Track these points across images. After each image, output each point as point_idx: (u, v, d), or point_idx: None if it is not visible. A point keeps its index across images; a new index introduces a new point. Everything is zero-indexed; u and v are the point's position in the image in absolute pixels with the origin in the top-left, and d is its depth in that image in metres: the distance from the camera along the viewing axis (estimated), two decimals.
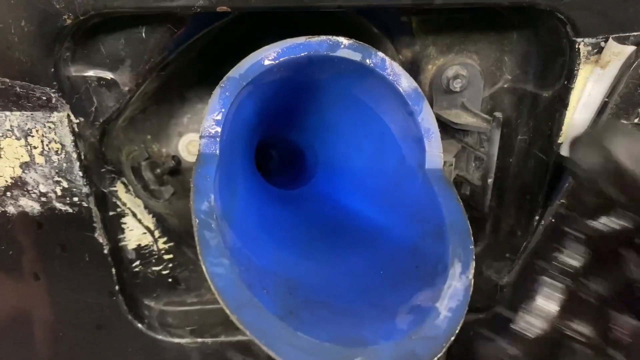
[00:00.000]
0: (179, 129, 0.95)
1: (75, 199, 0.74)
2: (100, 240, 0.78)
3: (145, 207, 0.83)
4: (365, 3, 0.63)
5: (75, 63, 0.69)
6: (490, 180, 0.81)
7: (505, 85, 0.85)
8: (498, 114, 0.76)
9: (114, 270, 0.81)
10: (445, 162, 0.82)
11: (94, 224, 0.76)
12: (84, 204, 0.75)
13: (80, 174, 0.72)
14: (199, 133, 0.95)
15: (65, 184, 0.73)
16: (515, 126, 0.85)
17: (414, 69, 0.83)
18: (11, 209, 0.75)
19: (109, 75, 0.70)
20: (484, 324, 0.92)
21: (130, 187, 0.81)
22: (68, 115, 0.69)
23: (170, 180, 0.89)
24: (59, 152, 0.71)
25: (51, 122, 0.69)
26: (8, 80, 0.65)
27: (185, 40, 0.72)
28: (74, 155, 0.71)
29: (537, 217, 0.84)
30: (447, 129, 0.86)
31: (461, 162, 0.86)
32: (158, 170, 0.85)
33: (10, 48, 0.63)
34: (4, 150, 0.70)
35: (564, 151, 0.76)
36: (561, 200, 0.78)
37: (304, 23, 0.95)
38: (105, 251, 0.79)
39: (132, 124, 0.86)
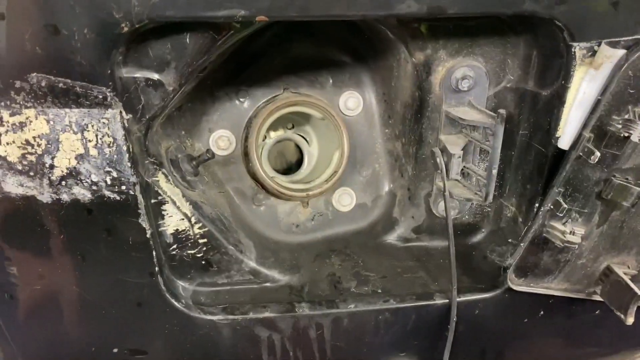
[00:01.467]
0: (210, 125, 1.03)
1: (123, 187, 0.82)
2: (144, 225, 0.86)
3: (183, 195, 0.91)
4: (385, 13, 0.72)
5: (127, 65, 0.77)
6: (494, 171, 0.89)
7: (508, 85, 0.93)
8: (502, 111, 0.84)
9: (154, 253, 0.89)
10: (454, 154, 0.90)
11: (139, 210, 0.85)
12: (131, 192, 0.83)
13: (129, 164, 0.81)
14: (227, 129, 1.04)
15: (114, 174, 0.81)
16: (517, 122, 0.94)
17: (425, 70, 0.92)
18: (65, 197, 0.83)
19: (155, 76, 0.79)
20: (489, 303, 1.01)
21: (169, 178, 0.89)
22: (120, 112, 0.77)
23: (203, 173, 0.98)
24: (111, 145, 0.79)
25: (105, 118, 0.77)
26: (70, 81, 0.74)
27: (223, 44, 0.80)
28: (124, 148, 0.79)
29: (536, 205, 0.93)
30: (455, 124, 0.95)
31: (468, 154, 0.95)
32: (194, 162, 0.93)
33: (74, 53, 0.71)
34: (62, 143, 0.78)
35: (561, 144, 0.85)
36: (559, 189, 0.86)
37: (326, 28, 1.03)
38: (148, 235, 0.87)
39: (169, 120, 0.95)
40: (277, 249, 1.06)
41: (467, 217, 1.08)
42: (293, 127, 1.21)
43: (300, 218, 1.11)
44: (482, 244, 1.08)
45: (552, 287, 1.00)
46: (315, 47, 1.07)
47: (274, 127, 1.14)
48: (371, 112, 1.10)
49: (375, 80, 1.08)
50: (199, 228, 0.94)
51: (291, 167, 1.26)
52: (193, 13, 0.69)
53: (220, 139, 1.03)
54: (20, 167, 0.80)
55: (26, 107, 0.75)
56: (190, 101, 0.99)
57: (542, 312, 1.02)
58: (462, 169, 0.94)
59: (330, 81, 1.08)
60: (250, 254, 1.01)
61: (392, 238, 1.11)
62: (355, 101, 1.09)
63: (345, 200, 1.13)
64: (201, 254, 0.96)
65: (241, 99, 1.04)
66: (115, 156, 0.80)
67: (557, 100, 0.83)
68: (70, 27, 0.70)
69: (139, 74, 0.78)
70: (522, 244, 0.93)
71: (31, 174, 0.80)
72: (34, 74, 0.73)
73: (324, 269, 1.04)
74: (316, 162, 1.19)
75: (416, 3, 0.70)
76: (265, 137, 1.14)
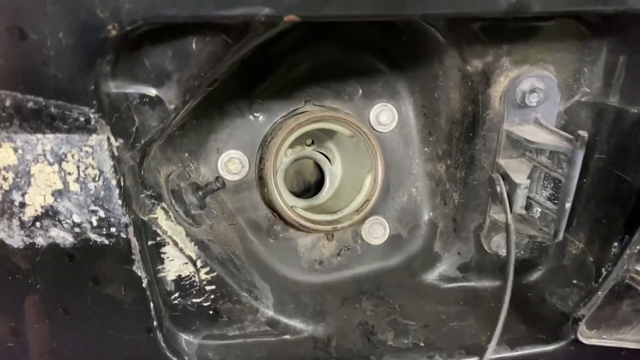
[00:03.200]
0: (218, 145, 0.86)
1: (113, 229, 0.66)
2: (139, 273, 0.70)
3: (187, 234, 0.75)
4: (452, 11, 0.55)
5: (116, 78, 0.61)
6: (567, 205, 0.73)
7: (583, 99, 0.77)
8: (583, 133, 0.68)
9: (152, 305, 0.73)
10: (519, 184, 0.74)
11: (133, 256, 0.69)
12: (122, 235, 0.67)
13: (120, 202, 0.64)
14: (238, 150, 0.88)
15: (102, 214, 0.65)
16: (593, 143, 0.77)
17: (483, 81, 0.75)
18: (40, 241, 0.67)
19: (152, 92, 0.62)
20: (551, 358, 0.85)
21: (170, 213, 0.73)
22: (108, 138, 0.61)
23: (210, 203, 0.81)
24: (97, 178, 0.63)
25: (89, 145, 0.61)
26: (42, 100, 0.57)
27: (238, 51, 0.63)
28: (113, 182, 0.63)
29: (615, 244, 0.77)
30: (518, 146, 0.78)
31: (532, 182, 0.78)
32: (200, 193, 0.76)
33: (46, 63, 0.55)
34: (35, 177, 0.62)
35: None
36: None
37: (355, 28, 0.87)
38: (144, 284, 0.71)
39: (169, 140, 0.78)
40: (297, 291, 0.89)
41: (522, 252, 0.92)
42: (313, 142, 1.04)
43: (324, 253, 0.94)
44: (540, 284, 0.92)
45: (628, 339, 0.84)
46: (341, 51, 0.90)
47: (291, 143, 0.98)
48: (407, 128, 0.94)
49: (413, 91, 0.92)
50: (206, 273, 0.77)
51: (310, 188, 1.09)
52: (202, 12, 0.53)
53: (230, 162, 0.87)
54: None
55: None
56: (194, 117, 0.82)
57: None
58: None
59: (360, 91, 0.92)
60: (266, 301, 0.84)
61: (433, 277, 0.95)
62: (388, 115, 0.93)
63: (377, 231, 0.96)
64: (209, 303, 0.80)
65: (255, 114, 0.88)
66: (102, 192, 0.63)
67: None
68: (41, 30, 0.53)
69: (132, 89, 0.62)
70: (600, 292, 0.77)
71: None
72: None
73: (354, 316, 0.88)
74: (339, 184, 1.03)
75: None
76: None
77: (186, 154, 0.83)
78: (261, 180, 0.88)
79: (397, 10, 0.54)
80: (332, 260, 0.95)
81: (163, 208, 0.73)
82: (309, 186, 1.09)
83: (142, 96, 0.62)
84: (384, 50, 0.90)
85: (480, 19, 0.68)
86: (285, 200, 0.88)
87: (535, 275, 0.93)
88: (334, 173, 1.04)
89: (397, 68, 0.92)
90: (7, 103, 0.57)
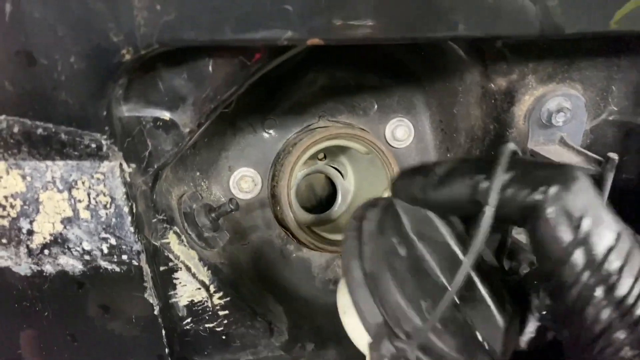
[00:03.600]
0: (230, 162, 0.84)
1: (124, 257, 0.63)
2: (151, 300, 0.67)
3: (200, 258, 0.72)
4: (485, 34, 0.52)
5: (129, 101, 0.58)
6: None
7: (610, 118, 0.74)
8: (613, 156, 0.65)
9: (163, 332, 0.70)
10: None
11: (145, 284, 0.66)
12: (134, 262, 0.64)
13: (132, 229, 0.61)
14: (250, 167, 0.85)
15: (113, 241, 0.62)
16: (620, 163, 0.74)
17: (507, 99, 0.73)
18: (48, 268, 0.64)
19: (166, 115, 0.59)
20: None
21: (183, 237, 0.70)
22: (120, 165, 0.58)
23: (222, 223, 0.78)
24: (108, 205, 0.60)
25: (100, 172, 0.58)
26: (51, 126, 0.54)
27: (257, 72, 0.60)
28: (125, 210, 0.60)
29: None
30: None
31: None
32: (213, 215, 0.74)
33: (56, 88, 0.52)
34: (44, 204, 0.59)
35: None
36: None
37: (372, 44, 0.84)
38: (156, 312, 0.68)
39: (181, 160, 0.75)
40: (312, 313, 0.86)
41: None
42: (325, 157, 1.01)
43: (339, 273, 0.92)
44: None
45: None
46: (356, 65, 0.87)
47: None
48: (424, 144, 0.91)
49: (430, 105, 0.89)
50: (220, 298, 0.75)
51: (321, 202, 1.07)
52: (222, 35, 0.50)
53: (242, 180, 0.84)
54: None
55: None
56: (206, 135, 0.79)
57: None
58: None
59: (375, 106, 0.89)
60: (280, 324, 0.81)
61: None
62: (404, 130, 0.90)
63: None
64: (221, 328, 0.77)
65: (268, 130, 0.85)
66: (113, 219, 0.61)
67: None
68: (51, 54, 0.50)
69: (145, 113, 0.59)
70: None
71: (3, 241, 0.62)
72: (3, 116, 0.54)
73: None
74: (352, 199, 1.00)
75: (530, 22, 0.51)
76: None
77: (197, 173, 0.80)
78: (274, 198, 0.85)
79: (429, 32, 0.52)
80: None
81: (175, 232, 0.70)
82: (320, 200, 1.07)
83: (156, 120, 0.60)
84: (401, 64, 0.87)
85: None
86: (299, 219, 0.85)
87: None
88: (347, 188, 1.01)
89: (415, 82, 0.89)
90: (16, 130, 0.54)
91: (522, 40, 0.66)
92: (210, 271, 0.73)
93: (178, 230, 0.70)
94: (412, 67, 0.87)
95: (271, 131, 0.85)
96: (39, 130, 0.54)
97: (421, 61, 0.85)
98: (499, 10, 0.51)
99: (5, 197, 0.58)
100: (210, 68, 0.58)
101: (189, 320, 0.75)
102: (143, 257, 0.64)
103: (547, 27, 0.53)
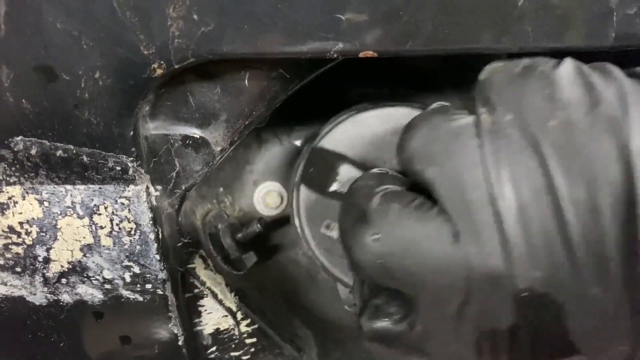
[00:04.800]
0: (254, 176, 0.78)
1: (148, 285, 0.58)
2: (175, 330, 0.62)
3: (227, 284, 0.67)
4: (554, 45, 0.47)
5: (155, 119, 0.53)
6: None
7: None
8: None
9: None
10: None
11: (169, 313, 0.61)
12: (159, 291, 0.59)
13: (157, 257, 0.56)
14: (276, 181, 0.80)
15: (136, 269, 0.57)
16: None
17: None
18: (66, 297, 0.59)
19: (197, 133, 0.54)
20: None
21: (209, 262, 0.65)
22: (147, 188, 0.52)
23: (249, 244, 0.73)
24: (132, 232, 0.54)
25: (125, 197, 0.52)
26: (72, 148, 0.49)
27: (296, 85, 0.55)
28: (151, 236, 0.55)
29: None
30: None
31: None
32: (239, 236, 0.68)
33: (79, 107, 0.47)
34: (62, 230, 0.54)
35: None
36: None
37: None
38: (180, 342, 0.63)
39: (205, 177, 0.70)
40: (342, 338, 0.81)
41: None
42: None
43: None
44: None
45: None
46: (389, 75, 0.82)
47: None
48: None
49: None
50: (247, 325, 0.70)
51: None
52: (266, 48, 0.44)
53: (268, 195, 0.79)
54: (1, 261, 0.56)
55: (8, 184, 0.51)
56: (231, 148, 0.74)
57: None
58: None
59: None
60: (310, 350, 0.76)
61: None
62: None
63: None
64: (248, 356, 0.72)
65: (294, 142, 0.79)
66: (137, 247, 0.55)
67: None
68: (74, 69, 0.45)
69: (174, 130, 0.54)
70: None
71: (17, 269, 0.57)
72: (20, 137, 0.49)
73: None
74: None
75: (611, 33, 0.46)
76: None
77: (221, 189, 0.75)
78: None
79: (494, 43, 0.46)
80: None
81: (201, 256, 0.65)
82: None
83: (185, 137, 0.54)
84: (428, 77, 0.82)
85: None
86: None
87: None
88: None
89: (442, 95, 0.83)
90: (33, 152, 0.49)
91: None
92: (237, 297, 0.68)
93: (204, 254, 0.65)
94: (440, 82, 0.82)
95: (298, 142, 0.79)
96: (59, 152, 0.49)
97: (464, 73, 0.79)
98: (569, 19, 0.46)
99: (21, 223, 0.53)
100: (246, 82, 0.52)
101: (214, 349, 0.70)
102: (168, 285, 0.59)
103: (620, 38, 0.48)
